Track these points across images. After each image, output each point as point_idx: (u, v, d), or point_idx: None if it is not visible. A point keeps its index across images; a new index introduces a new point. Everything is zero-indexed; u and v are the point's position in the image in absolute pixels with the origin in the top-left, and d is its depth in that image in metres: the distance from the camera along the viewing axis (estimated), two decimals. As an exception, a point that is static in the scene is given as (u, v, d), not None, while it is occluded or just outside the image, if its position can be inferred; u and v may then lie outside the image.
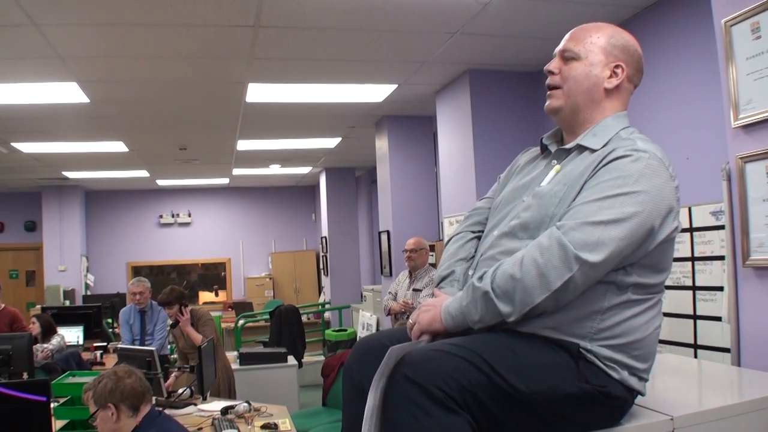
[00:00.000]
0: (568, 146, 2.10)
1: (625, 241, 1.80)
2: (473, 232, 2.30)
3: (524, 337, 1.87)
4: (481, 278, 1.90)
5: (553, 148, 2.17)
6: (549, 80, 2.16)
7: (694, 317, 4.51)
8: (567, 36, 2.16)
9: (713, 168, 3.99)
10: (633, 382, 1.94)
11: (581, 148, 2.04)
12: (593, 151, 1.99)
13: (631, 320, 1.90)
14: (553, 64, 2.15)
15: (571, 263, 1.77)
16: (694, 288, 4.52)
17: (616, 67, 2.08)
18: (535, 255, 1.81)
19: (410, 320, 2.07)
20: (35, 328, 7.00)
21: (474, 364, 1.77)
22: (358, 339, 9.96)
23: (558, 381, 1.82)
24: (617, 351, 1.89)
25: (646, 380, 2.01)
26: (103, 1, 4.58)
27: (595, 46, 2.09)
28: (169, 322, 6.18)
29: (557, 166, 2.08)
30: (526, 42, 5.74)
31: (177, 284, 15.63)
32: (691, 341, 4.53)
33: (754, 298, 3.03)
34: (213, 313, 13.01)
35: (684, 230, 4.60)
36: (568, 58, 2.11)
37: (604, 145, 1.98)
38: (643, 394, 2.03)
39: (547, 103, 2.16)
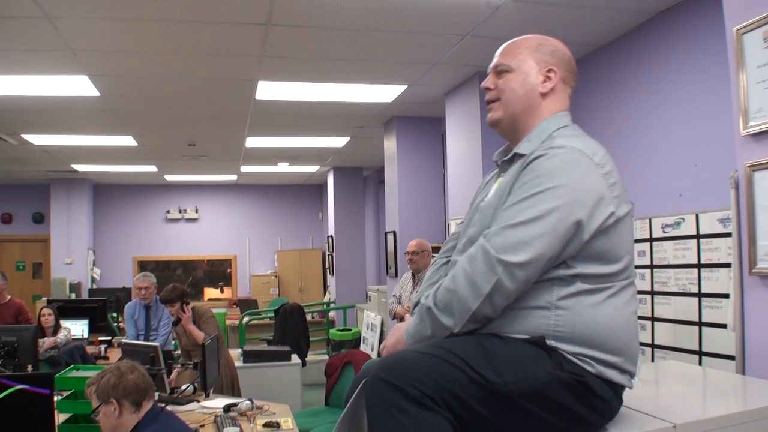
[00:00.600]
0: (507, 157, 2.15)
1: (548, 236, 1.83)
2: (447, 257, 2.33)
3: (494, 335, 1.91)
4: (428, 296, 1.97)
5: (500, 162, 2.22)
6: (486, 96, 2.21)
7: (700, 324, 4.51)
8: (498, 52, 2.21)
9: (721, 175, 3.99)
10: (613, 375, 1.92)
11: (517, 156, 2.08)
12: (526, 156, 2.02)
13: (589, 313, 1.89)
14: (489, 81, 2.21)
15: (495, 266, 1.82)
16: (699, 295, 4.51)
17: (549, 71, 2.13)
18: (464, 265, 1.88)
19: (382, 345, 2.13)
20: (51, 320, 7.02)
21: (448, 361, 1.80)
22: (362, 339, 9.98)
23: (532, 370, 1.82)
24: (584, 346, 1.89)
25: (630, 373, 1.99)
26: (115, -5, 4.60)
27: (526, 56, 2.15)
28: (172, 319, 6.19)
29: (500, 179, 2.14)
30: (536, 45, 5.72)
31: (182, 280, 15.85)
32: (696, 348, 4.52)
33: (760, 306, 3.02)
34: (218, 310, 13.12)
35: (691, 237, 4.59)
36: (501, 72, 2.17)
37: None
38: (630, 387, 2.02)
39: (487, 117, 2.20)
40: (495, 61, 2.20)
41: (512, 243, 1.82)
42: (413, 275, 6.76)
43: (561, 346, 1.87)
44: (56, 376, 4.63)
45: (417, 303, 2.17)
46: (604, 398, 1.91)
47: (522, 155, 2.03)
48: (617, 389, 1.97)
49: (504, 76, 2.15)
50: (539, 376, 1.81)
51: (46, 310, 7.12)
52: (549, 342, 1.87)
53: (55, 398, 3.99)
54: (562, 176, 1.86)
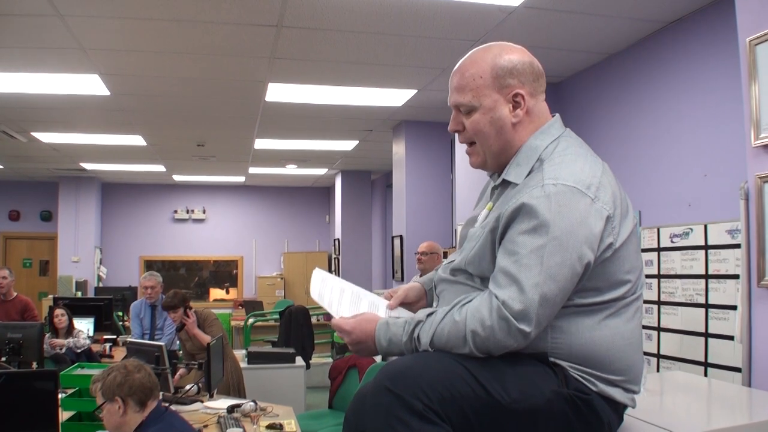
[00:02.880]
0: (496, 183, 2.03)
1: (563, 293, 1.78)
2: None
3: None
4: (420, 324, 1.88)
5: (494, 182, 2.08)
6: (459, 139, 2.07)
7: (706, 335, 4.49)
8: (452, 86, 2.01)
9: (731, 186, 3.98)
10: (615, 393, 1.88)
11: (506, 183, 1.97)
12: (516, 185, 1.91)
13: (586, 335, 1.84)
14: (455, 123, 2.03)
15: (517, 336, 1.75)
16: (707, 306, 4.50)
17: (515, 96, 1.95)
18: (476, 327, 1.78)
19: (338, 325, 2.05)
20: (64, 320, 6.99)
21: (456, 373, 1.76)
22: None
23: (539, 387, 1.79)
24: (585, 366, 1.85)
25: (633, 392, 1.94)
26: (128, -5, 4.61)
27: (483, 88, 1.95)
28: (175, 325, 6.16)
29: (489, 204, 2.04)
30: (548, 52, 5.73)
31: (188, 280, 15.87)
32: (702, 359, 4.50)
33: (768, 319, 3.01)
34: (223, 311, 13.15)
35: (699, 248, 4.58)
36: (465, 111, 1.99)
37: (527, 175, 1.90)
38: (632, 407, 1.97)
39: (470, 162, 2.08)
40: (453, 98, 2.01)
41: (533, 309, 1.73)
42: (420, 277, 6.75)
43: (563, 364, 1.84)
44: (61, 373, 4.63)
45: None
46: (604, 420, 1.87)
47: (510, 183, 1.93)
48: (619, 408, 1.93)
49: (470, 115, 1.97)
50: (545, 393, 1.78)
51: (59, 311, 7.05)
52: (551, 359, 1.84)
53: (60, 395, 4.00)
54: (562, 222, 1.75)
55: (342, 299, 2.12)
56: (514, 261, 1.78)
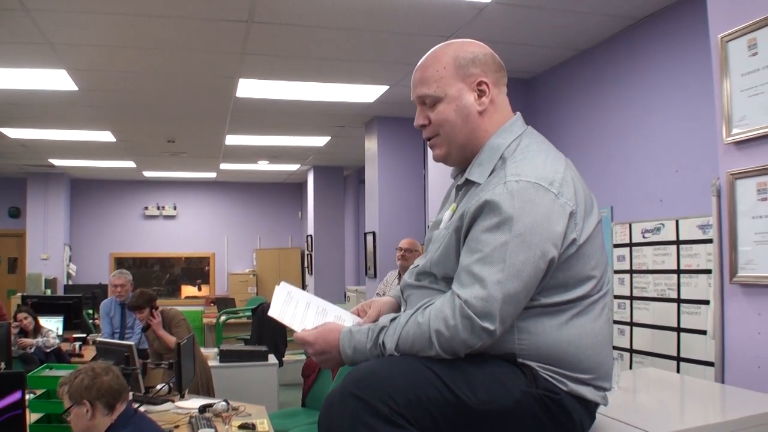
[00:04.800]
0: (459, 183, 2.02)
1: (527, 290, 1.76)
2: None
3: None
4: (384, 329, 1.86)
5: (458, 182, 2.06)
6: (424, 134, 2.05)
7: (678, 330, 4.51)
8: (415, 80, 2.02)
9: (702, 182, 4.00)
10: (585, 391, 1.86)
11: (470, 183, 1.95)
12: (479, 184, 1.89)
13: (553, 335, 1.82)
14: (420, 117, 2.02)
15: (480, 334, 1.73)
16: (678, 300, 4.52)
17: (479, 84, 1.95)
18: (440, 327, 1.76)
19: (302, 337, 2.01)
20: (29, 323, 6.87)
21: (422, 376, 1.74)
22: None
23: (507, 388, 1.76)
24: (553, 365, 1.83)
25: (604, 389, 1.93)
26: (95, -11, 4.54)
27: (447, 78, 1.96)
28: (141, 325, 6.08)
29: (453, 205, 2.02)
30: (519, 48, 5.73)
31: (160, 277, 15.75)
32: (674, 354, 4.53)
33: (740, 315, 3.01)
34: (195, 308, 13.06)
35: (671, 243, 4.60)
36: (430, 104, 1.99)
37: (489, 174, 1.89)
38: (604, 404, 1.96)
39: (433, 155, 2.06)
40: (418, 91, 2.01)
41: (495, 307, 1.72)
42: (399, 274, 6.75)
43: (532, 364, 1.82)
44: (28, 375, 4.56)
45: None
46: (576, 419, 1.85)
47: (474, 183, 1.92)
48: (591, 407, 1.92)
49: (435, 107, 1.97)
50: (513, 394, 1.76)
51: (21, 315, 6.91)
52: (520, 360, 1.82)
53: (27, 397, 3.93)
54: (526, 219, 1.73)
55: (307, 313, 2.08)
56: (476, 259, 1.77)
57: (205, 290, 16.03)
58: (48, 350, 6.73)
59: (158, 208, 15.70)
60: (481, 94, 1.96)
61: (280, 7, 4.85)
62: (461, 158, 2.02)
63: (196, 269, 16.27)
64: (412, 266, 2.13)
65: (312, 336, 1.95)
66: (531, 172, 1.80)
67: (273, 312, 2.06)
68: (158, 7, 4.84)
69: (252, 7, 4.82)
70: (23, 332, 6.75)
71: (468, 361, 1.79)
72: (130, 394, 3.55)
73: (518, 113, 2.04)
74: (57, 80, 6.58)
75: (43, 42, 5.47)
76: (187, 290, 16.14)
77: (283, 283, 2.17)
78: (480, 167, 1.92)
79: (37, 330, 6.85)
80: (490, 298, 1.72)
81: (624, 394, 2.61)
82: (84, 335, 8.27)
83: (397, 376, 1.72)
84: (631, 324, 4.96)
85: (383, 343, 1.84)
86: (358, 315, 2.16)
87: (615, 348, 4.78)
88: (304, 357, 9.65)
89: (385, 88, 7.17)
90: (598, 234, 1.90)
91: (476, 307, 1.72)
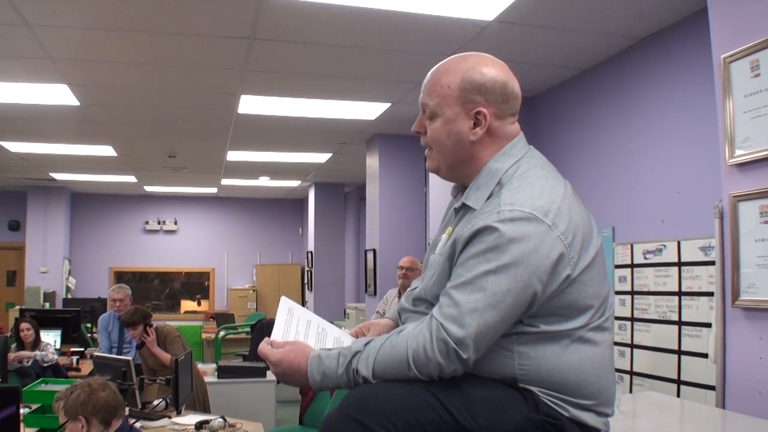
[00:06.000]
0: (457, 206, 1.98)
1: (505, 321, 1.72)
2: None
3: (469, 373, 1.79)
4: (358, 354, 1.80)
5: (455, 204, 2.02)
6: (421, 141, 2.02)
7: (679, 352, 4.48)
8: (425, 84, 1.98)
9: (704, 203, 3.98)
10: (587, 417, 1.83)
11: (466, 207, 1.91)
12: (474, 210, 1.85)
13: (554, 361, 1.78)
14: (418, 124, 1.99)
15: (454, 360, 1.70)
16: (680, 323, 4.49)
17: (477, 113, 1.88)
18: (417, 348, 1.73)
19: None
20: (30, 334, 6.85)
21: (422, 399, 1.71)
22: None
23: (507, 413, 1.73)
24: (554, 391, 1.79)
25: (606, 415, 1.89)
26: (98, 5, 4.53)
27: (449, 98, 1.90)
28: (135, 342, 6.02)
29: (449, 229, 1.98)
30: (521, 67, 5.70)
31: (159, 291, 15.72)
32: (675, 377, 4.50)
33: (743, 339, 2.99)
34: (194, 323, 13.01)
35: (672, 264, 4.58)
36: (428, 115, 1.95)
37: (486, 199, 1.85)
38: (605, 431, 1.90)
39: (426, 164, 2.03)
40: (422, 97, 1.97)
41: (470, 334, 1.68)
42: (399, 292, 6.73)
43: (533, 389, 1.78)
44: (24, 389, 4.54)
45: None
46: None
47: (470, 208, 1.87)
48: None
49: (432, 121, 1.93)
50: (514, 419, 1.72)
51: (24, 325, 6.90)
52: (521, 385, 1.78)
53: (23, 411, 3.91)
54: (515, 250, 1.70)
55: (308, 333, 2.04)
56: (458, 284, 1.74)
57: (204, 305, 15.99)
58: (45, 365, 6.70)
59: (159, 223, 15.70)
60: (476, 124, 1.89)
61: (282, 24, 4.84)
62: (452, 176, 1.99)
63: (196, 284, 16.24)
64: (409, 288, 2.10)
65: (276, 356, 1.87)
66: (526, 201, 1.76)
67: (276, 335, 2.01)
68: (161, 23, 4.84)
69: (254, 23, 4.81)
70: (21, 344, 6.73)
71: (468, 384, 1.76)
72: (127, 409, 3.52)
73: (520, 135, 1.99)
74: (58, 95, 6.57)
75: (45, 57, 5.47)
76: (187, 305, 16.10)
77: (284, 299, 2.12)
78: (477, 191, 1.89)
79: (37, 343, 6.82)
80: (465, 325, 1.69)
81: (624, 418, 2.58)
82: (82, 349, 8.24)
83: (396, 399, 1.69)
84: (632, 346, 4.93)
85: (356, 369, 1.78)
86: (356, 337, 2.12)
87: (615, 370, 4.74)
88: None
89: (386, 105, 7.16)
90: (598, 262, 1.86)
91: (451, 332, 1.70)
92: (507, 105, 1.94)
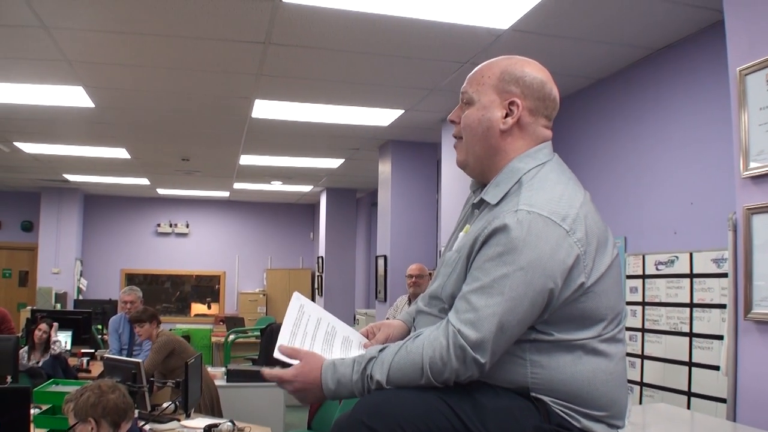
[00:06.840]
0: (475, 201, 1.97)
1: (521, 325, 1.72)
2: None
3: (482, 382, 1.78)
4: (372, 360, 1.80)
5: (474, 199, 2.01)
6: (454, 131, 2.02)
7: (690, 364, 4.46)
8: (468, 76, 1.99)
9: (717, 215, 3.96)
10: (599, 429, 1.82)
11: (484, 203, 1.90)
12: (492, 206, 1.85)
13: (567, 371, 1.77)
14: (455, 113, 2.00)
15: (471, 365, 1.70)
16: (691, 335, 4.47)
17: (511, 104, 1.89)
18: (433, 355, 1.72)
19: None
20: (44, 336, 6.85)
21: (434, 406, 1.70)
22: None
23: (519, 423, 1.72)
24: (566, 401, 1.78)
25: (617, 427, 1.88)
26: (115, 9, 4.56)
27: (486, 86, 1.92)
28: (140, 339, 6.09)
29: (467, 226, 1.97)
30: (535, 76, 5.71)
31: (170, 294, 15.74)
32: (685, 389, 4.47)
33: (755, 352, 2.98)
34: (204, 327, 13.03)
35: (684, 276, 4.56)
36: (465, 103, 1.96)
37: (502, 198, 1.84)
38: None
39: (456, 159, 2.03)
40: (463, 86, 1.98)
41: (488, 338, 1.68)
42: (409, 299, 6.72)
43: (545, 399, 1.77)
44: (35, 390, 4.55)
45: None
46: None
47: (488, 203, 1.87)
48: None
49: (467, 108, 1.95)
50: (525, 429, 1.72)
51: (44, 326, 6.89)
52: (533, 394, 1.77)
53: (33, 412, 3.92)
54: (531, 252, 1.69)
55: (316, 335, 2.03)
56: (475, 288, 1.73)
57: (214, 309, 16.00)
58: (57, 352, 6.71)
59: (171, 226, 15.73)
60: (508, 113, 1.90)
61: (297, 29, 4.86)
62: (479, 170, 1.98)
63: (207, 287, 16.26)
64: (425, 291, 2.08)
65: (290, 375, 1.88)
66: (545, 204, 1.75)
67: (284, 332, 2.00)
68: (176, 27, 4.86)
69: (269, 28, 4.83)
70: (32, 345, 6.75)
71: (481, 393, 1.75)
72: (136, 411, 3.52)
73: (549, 142, 1.98)
74: (74, 97, 6.60)
75: (62, 59, 5.50)
76: (197, 308, 16.12)
77: (296, 294, 2.11)
78: (496, 188, 1.88)
79: (47, 344, 6.83)
80: (483, 330, 1.69)
81: (634, 429, 2.57)
82: (92, 351, 8.26)
83: (408, 406, 1.69)
84: (642, 357, 4.91)
85: (371, 375, 1.78)
86: (367, 336, 2.11)
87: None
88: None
89: (400, 112, 7.17)
90: (613, 273, 1.84)
91: (469, 337, 1.69)
92: (542, 103, 1.94)
